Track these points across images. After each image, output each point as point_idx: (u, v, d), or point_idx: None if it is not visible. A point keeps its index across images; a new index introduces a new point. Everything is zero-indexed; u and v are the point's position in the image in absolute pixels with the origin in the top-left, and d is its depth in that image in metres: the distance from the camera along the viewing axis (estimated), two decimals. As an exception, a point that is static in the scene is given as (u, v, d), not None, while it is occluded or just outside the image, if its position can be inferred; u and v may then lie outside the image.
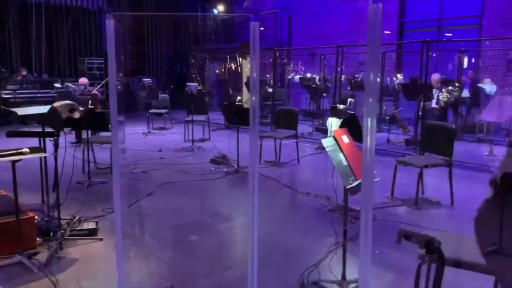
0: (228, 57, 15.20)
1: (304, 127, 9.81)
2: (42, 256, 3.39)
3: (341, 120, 4.88)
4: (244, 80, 12.53)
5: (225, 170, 6.29)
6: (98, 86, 10.17)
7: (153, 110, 10.65)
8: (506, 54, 10.69)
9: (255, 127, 2.13)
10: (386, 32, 12.47)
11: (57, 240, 3.58)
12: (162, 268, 3.33)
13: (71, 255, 3.46)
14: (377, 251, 3.41)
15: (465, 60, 10.14)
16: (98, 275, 3.18)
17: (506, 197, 1.32)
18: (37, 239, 3.58)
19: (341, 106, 7.60)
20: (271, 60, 10.95)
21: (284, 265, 3.38)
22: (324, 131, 9.21)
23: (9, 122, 10.31)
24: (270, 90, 11.03)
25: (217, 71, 15.79)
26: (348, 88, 11.26)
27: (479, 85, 9.55)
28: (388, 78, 11.18)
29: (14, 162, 3.17)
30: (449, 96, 8.11)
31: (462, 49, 9.86)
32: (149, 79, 13.83)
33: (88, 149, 5.76)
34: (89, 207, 4.57)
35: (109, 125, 4.00)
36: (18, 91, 11.26)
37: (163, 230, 4.10)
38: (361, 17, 13.13)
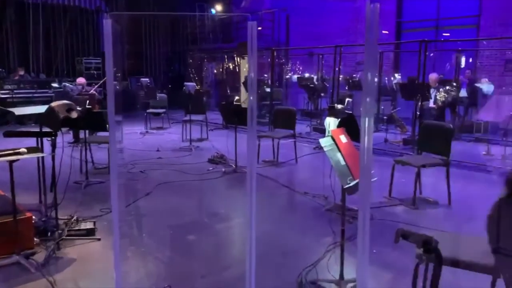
0: (226, 56, 15.19)
1: (302, 127, 9.81)
2: (40, 256, 3.38)
3: (339, 119, 4.89)
4: (242, 79, 12.53)
5: (223, 170, 6.29)
6: (96, 86, 10.16)
7: (151, 110, 10.63)
8: (503, 54, 10.71)
9: (253, 127, 2.13)
10: (384, 32, 12.48)
11: (55, 240, 3.57)
12: (160, 268, 3.33)
13: (69, 255, 3.46)
14: (375, 251, 3.42)
15: (463, 60, 10.16)
16: (96, 275, 3.18)
17: None
18: (35, 239, 3.57)
19: (339, 106, 7.60)
20: (269, 59, 10.95)
21: (282, 264, 3.38)
22: (322, 131, 9.23)
23: (7, 122, 10.29)
24: (268, 89, 11.03)
25: (215, 71, 15.79)
26: (346, 88, 11.27)
27: (477, 84, 9.57)
28: (386, 78, 11.19)
29: (11, 162, 3.16)
30: (446, 95, 8.13)
31: (460, 48, 9.88)
32: (147, 79, 13.81)
33: (85, 149, 5.76)
34: (87, 207, 4.57)
35: (107, 125, 4.00)
36: (15, 91, 11.24)
37: (161, 230, 4.09)
38: (359, 17, 13.13)
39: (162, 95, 11.41)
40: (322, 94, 11.16)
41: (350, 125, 3.27)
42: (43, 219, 3.90)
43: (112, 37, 2.03)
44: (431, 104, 8.27)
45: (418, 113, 7.67)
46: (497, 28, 10.52)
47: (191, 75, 15.77)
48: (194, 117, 8.47)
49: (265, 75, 12.30)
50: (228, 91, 14.36)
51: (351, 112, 7.76)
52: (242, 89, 12.17)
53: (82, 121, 4.67)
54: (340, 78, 9.89)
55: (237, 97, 12.04)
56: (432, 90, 8.30)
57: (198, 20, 16.02)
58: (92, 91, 9.46)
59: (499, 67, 10.84)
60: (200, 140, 8.85)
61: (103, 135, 6.35)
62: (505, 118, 7.61)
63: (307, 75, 12.98)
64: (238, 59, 14.30)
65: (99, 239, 3.75)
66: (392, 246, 3.22)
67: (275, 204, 4.96)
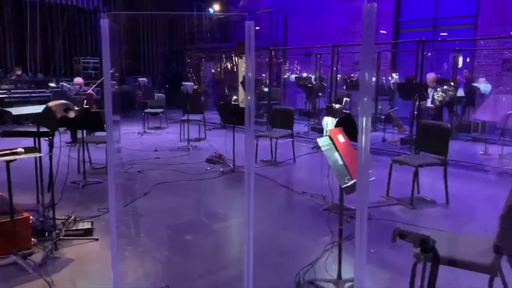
0: (223, 56, 15.19)
1: (300, 127, 9.82)
2: (37, 256, 3.37)
3: (337, 119, 4.88)
4: (240, 79, 12.53)
5: (221, 169, 6.29)
6: (94, 86, 10.14)
7: (148, 110, 10.63)
8: (500, 53, 10.75)
9: (251, 127, 2.13)
10: (381, 31, 12.50)
11: (52, 240, 3.56)
12: (157, 268, 3.32)
13: (66, 255, 3.45)
14: (372, 250, 3.42)
15: (460, 60, 10.19)
16: (94, 275, 3.18)
17: None
18: (32, 239, 3.56)
19: (337, 106, 7.60)
20: (266, 59, 10.95)
21: (280, 264, 3.38)
22: (319, 131, 9.24)
23: (4, 122, 10.26)
24: (266, 89, 11.02)
25: (213, 71, 15.78)
26: (344, 88, 11.28)
27: (474, 84, 9.60)
28: (384, 78, 11.21)
29: (8, 162, 3.15)
30: (444, 95, 8.14)
31: (457, 48, 9.89)
32: (145, 79, 13.79)
33: (83, 149, 5.74)
34: (84, 207, 4.56)
35: (105, 125, 3.99)
36: (12, 91, 11.21)
37: (158, 230, 4.09)
38: (357, 17, 13.14)
39: (160, 94, 11.40)
40: (320, 94, 11.18)
41: (348, 125, 3.27)
42: (41, 219, 3.89)
43: (110, 36, 2.02)
44: (429, 103, 8.28)
45: (415, 112, 7.69)
46: (494, 27, 10.55)
47: (189, 74, 15.76)
48: (192, 116, 8.47)
49: (263, 75, 12.31)
50: (226, 91, 14.36)
51: (349, 111, 7.75)
52: (240, 88, 12.17)
53: (79, 121, 4.65)
54: (338, 78, 9.90)
55: (235, 97, 12.03)
56: (429, 90, 8.31)
57: (196, 19, 16.01)
58: (89, 91, 9.44)
59: (496, 67, 10.87)
60: (198, 140, 8.85)
61: (100, 135, 6.34)
62: (502, 117, 7.63)
63: (305, 74, 13.00)
64: (236, 58, 14.29)
65: (96, 239, 3.74)
66: (390, 245, 3.22)
67: (273, 204, 4.96)
